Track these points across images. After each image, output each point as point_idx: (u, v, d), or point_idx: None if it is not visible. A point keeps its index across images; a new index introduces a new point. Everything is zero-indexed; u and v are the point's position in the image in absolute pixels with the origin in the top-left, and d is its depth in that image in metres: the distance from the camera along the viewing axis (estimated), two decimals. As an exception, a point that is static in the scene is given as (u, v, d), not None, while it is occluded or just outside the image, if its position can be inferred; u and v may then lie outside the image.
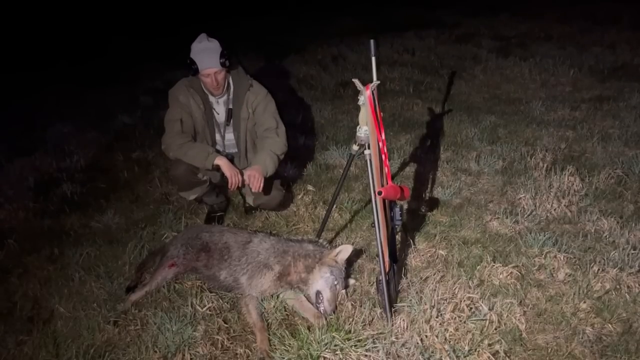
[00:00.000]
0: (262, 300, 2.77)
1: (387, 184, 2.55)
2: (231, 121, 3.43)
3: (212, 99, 3.36)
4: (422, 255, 3.12)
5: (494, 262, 2.95)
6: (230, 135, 3.50)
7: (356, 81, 2.42)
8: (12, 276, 3.21)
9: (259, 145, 3.45)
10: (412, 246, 3.17)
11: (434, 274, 2.87)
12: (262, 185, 3.21)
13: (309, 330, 2.48)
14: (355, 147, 2.64)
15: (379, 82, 2.45)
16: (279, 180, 3.61)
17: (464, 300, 2.58)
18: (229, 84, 3.35)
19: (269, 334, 2.56)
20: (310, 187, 4.01)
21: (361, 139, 2.54)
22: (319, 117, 5.66)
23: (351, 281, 2.90)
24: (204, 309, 2.73)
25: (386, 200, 2.61)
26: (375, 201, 2.50)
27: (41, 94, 6.60)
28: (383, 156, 2.52)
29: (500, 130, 5.01)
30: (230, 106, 3.39)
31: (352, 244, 3.01)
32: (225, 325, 2.64)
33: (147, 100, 6.40)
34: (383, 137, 2.50)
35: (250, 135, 3.47)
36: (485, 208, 3.67)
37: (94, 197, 4.18)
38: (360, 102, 2.45)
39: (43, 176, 4.61)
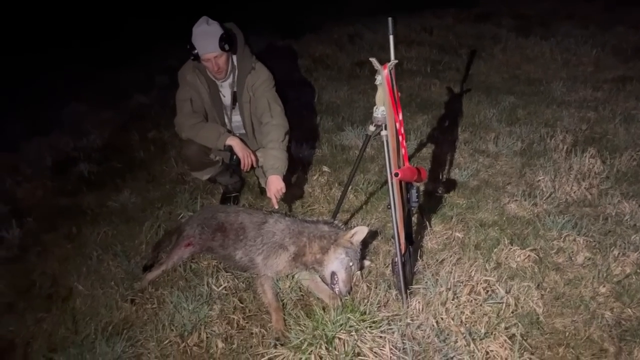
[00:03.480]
0: (277, 280, 2.77)
1: (404, 165, 2.51)
2: (236, 104, 3.39)
3: (217, 81, 3.31)
4: (439, 237, 3.09)
5: (512, 245, 2.91)
6: (237, 117, 3.45)
7: (373, 60, 2.36)
8: (30, 254, 3.27)
9: (262, 140, 3.33)
10: (429, 228, 3.14)
11: (450, 257, 2.84)
12: (284, 189, 3.15)
13: (324, 311, 2.47)
14: (371, 128, 2.60)
15: (396, 61, 2.39)
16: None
17: (481, 283, 2.55)
18: (233, 66, 3.28)
19: (284, 314, 2.57)
20: (325, 168, 3.98)
21: (378, 120, 2.50)
22: (335, 97, 5.61)
23: (366, 262, 2.89)
24: (220, 288, 2.75)
25: (402, 182, 2.58)
26: (392, 183, 2.47)
27: (57, 74, 6.61)
28: (400, 137, 2.48)
29: (520, 111, 4.91)
30: (235, 89, 3.34)
31: (368, 226, 2.99)
32: (241, 305, 2.65)
33: (163, 80, 6.39)
34: (400, 117, 2.46)
35: (255, 117, 3.41)
36: (503, 190, 3.61)
37: (111, 176, 4.22)
38: (377, 82, 2.40)
39: (60, 155, 4.67)
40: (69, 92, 6.02)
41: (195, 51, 3.07)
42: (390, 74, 2.38)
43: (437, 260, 2.84)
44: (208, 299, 2.67)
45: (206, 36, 3.02)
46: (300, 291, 2.74)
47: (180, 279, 2.88)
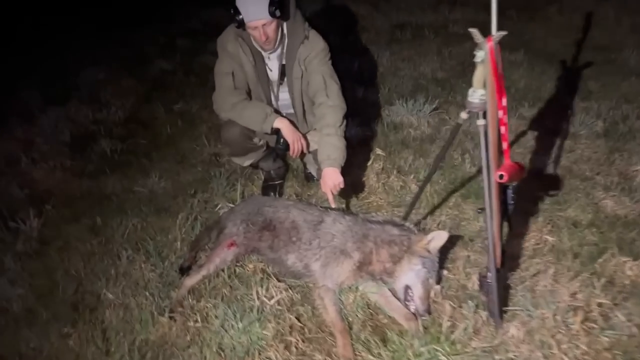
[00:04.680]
0: (339, 293, 2.34)
1: (505, 162, 2.04)
2: (285, 79, 2.90)
3: (264, 52, 2.82)
4: (526, 241, 2.61)
5: (620, 254, 2.43)
6: (284, 95, 2.97)
7: (475, 31, 1.87)
8: (51, 249, 2.88)
9: (316, 124, 2.89)
10: (513, 230, 2.65)
11: (544, 268, 2.39)
12: (342, 184, 2.72)
13: (403, 337, 2.06)
14: (463, 115, 2.11)
15: (505, 32, 1.90)
16: None
17: (593, 306, 2.10)
18: (283, 34, 2.78)
19: (352, 337, 2.15)
20: (379, 151, 3.49)
21: (474, 106, 2.01)
22: (377, 65, 5.05)
23: (444, 272, 2.44)
24: (272, 301, 2.34)
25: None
26: (489, 183, 2.00)
27: (71, 37, 6.10)
28: (503, 128, 1.99)
29: (592, 84, 4.33)
30: (284, 62, 2.84)
31: (439, 225, 2.54)
32: (299, 324, 2.24)
33: (185, 43, 5.86)
34: (504, 103, 1.97)
35: (307, 95, 2.92)
36: (593, 181, 3.09)
37: (135, 155, 3.82)
38: (477, 59, 1.91)
39: (79, 129, 4.26)
40: (84, 56, 5.53)
41: (240, 17, 2.55)
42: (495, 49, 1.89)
43: (530, 273, 2.37)
44: (260, 316, 2.26)
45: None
46: (369, 308, 2.31)
47: (223, 287, 2.47)
